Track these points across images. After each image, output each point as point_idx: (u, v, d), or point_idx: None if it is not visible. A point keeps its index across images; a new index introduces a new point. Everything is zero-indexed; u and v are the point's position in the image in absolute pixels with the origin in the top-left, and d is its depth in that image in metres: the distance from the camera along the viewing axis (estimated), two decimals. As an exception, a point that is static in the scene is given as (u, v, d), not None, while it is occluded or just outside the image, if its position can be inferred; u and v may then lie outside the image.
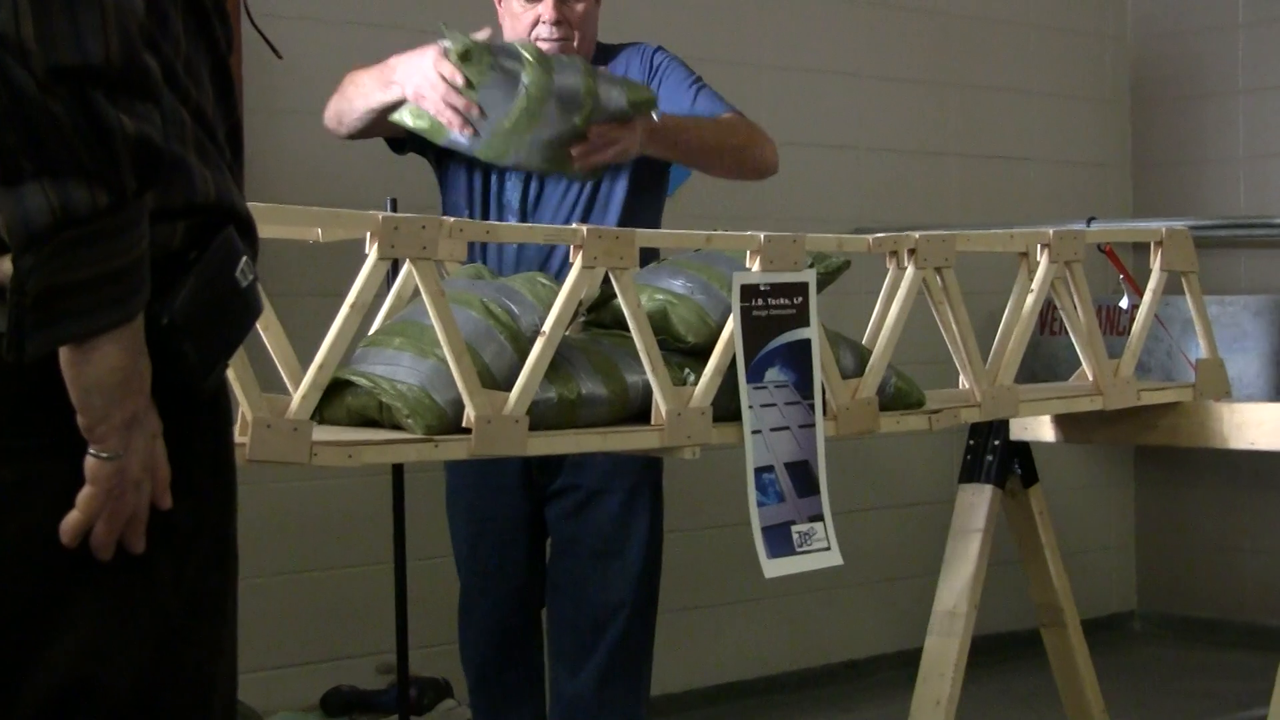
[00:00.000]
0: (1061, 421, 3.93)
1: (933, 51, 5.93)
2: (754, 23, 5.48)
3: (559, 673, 3.75)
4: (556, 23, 3.61)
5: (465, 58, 3.23)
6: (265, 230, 2.88)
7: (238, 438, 2.51)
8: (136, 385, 1.51)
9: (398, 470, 3.80)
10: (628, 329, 2.87)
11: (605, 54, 3.78)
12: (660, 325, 2.95)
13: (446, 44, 3.31)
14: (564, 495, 3.70)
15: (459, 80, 3.28)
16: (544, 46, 3.57)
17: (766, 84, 5.50)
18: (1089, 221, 5.73)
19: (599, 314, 3.01)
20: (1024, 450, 3.96)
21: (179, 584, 1.61)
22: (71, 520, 1.52)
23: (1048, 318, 5.55)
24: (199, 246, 1.57)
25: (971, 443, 3.95)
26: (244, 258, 1.61)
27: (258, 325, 2.64)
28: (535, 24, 3.62)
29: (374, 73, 3.45)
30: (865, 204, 5.67)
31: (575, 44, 3.63)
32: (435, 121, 3.31)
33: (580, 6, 3.64)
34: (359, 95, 3.47)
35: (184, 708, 1.63)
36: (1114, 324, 5.59)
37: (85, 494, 1.52)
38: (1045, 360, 5.67)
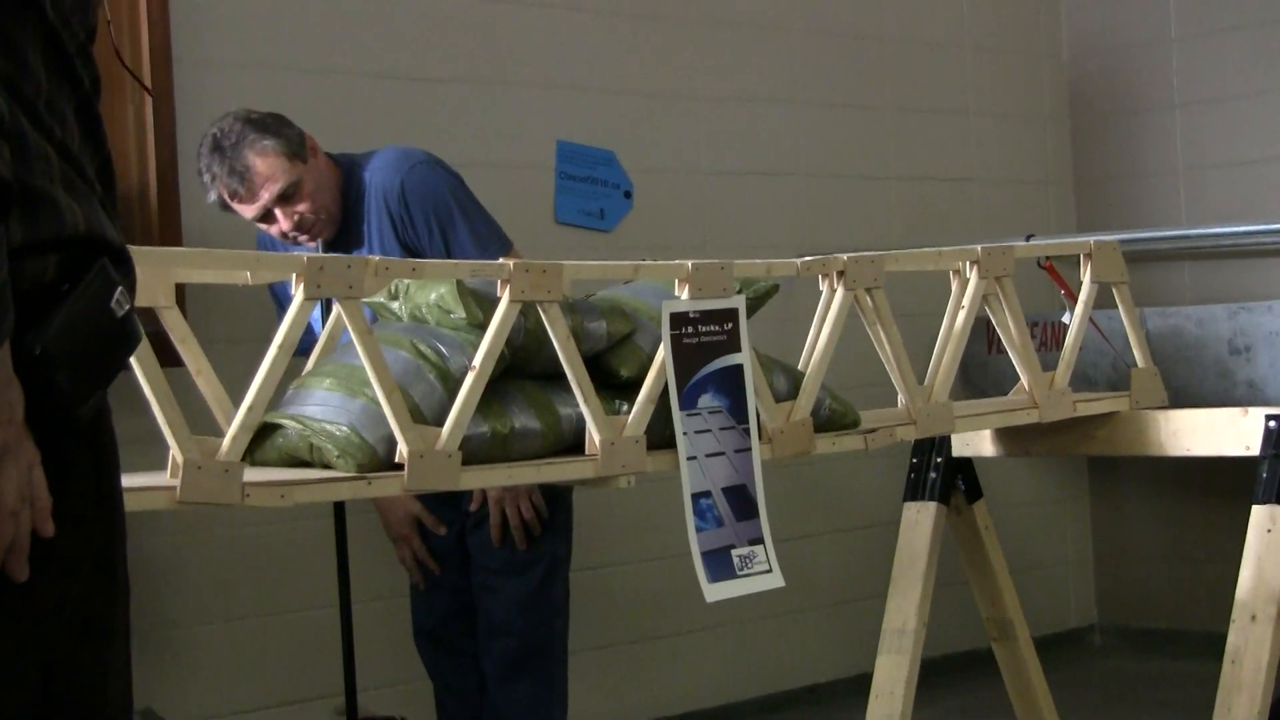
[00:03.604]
0: (1001, 436, 3.97)
1: (868, 76, 5.97)
2: (688, 53, 5.51)
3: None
4: (298, 228, 3.82)
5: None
6: (197, 275, 2.92)
7: (169, 480, 2.53)
8: (6, 415, 1.52)
9: (339, 511, 3.82)
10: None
11: (355, 171, 3.93)
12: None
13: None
14: (466, 514, 3.99)
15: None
16: (308, 246, 3.82)
17: (703, 114, 5.54)
18: (1028, 238, 5.79)
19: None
20: (967, 466, 3.99)
21: (63, 608, 1.63)
22: None
23: (994, 336, 5.59)
24: (72, 279, 1.59)
25: (914, 460, 3.98)
26: (119, 288, 1.64)
27: (190, 370, 2.68)
28: (283, 236, 3.84)
29: None
30: (807, 230, 5.70)
31: (324, 224, 3.84)
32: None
33: (302, 204, 3.80)
34: None
35: None
36: (1059, 339, 5.63)
37: None
38: (994, 378, 5.70)
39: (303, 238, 3.84)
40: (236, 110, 3.84)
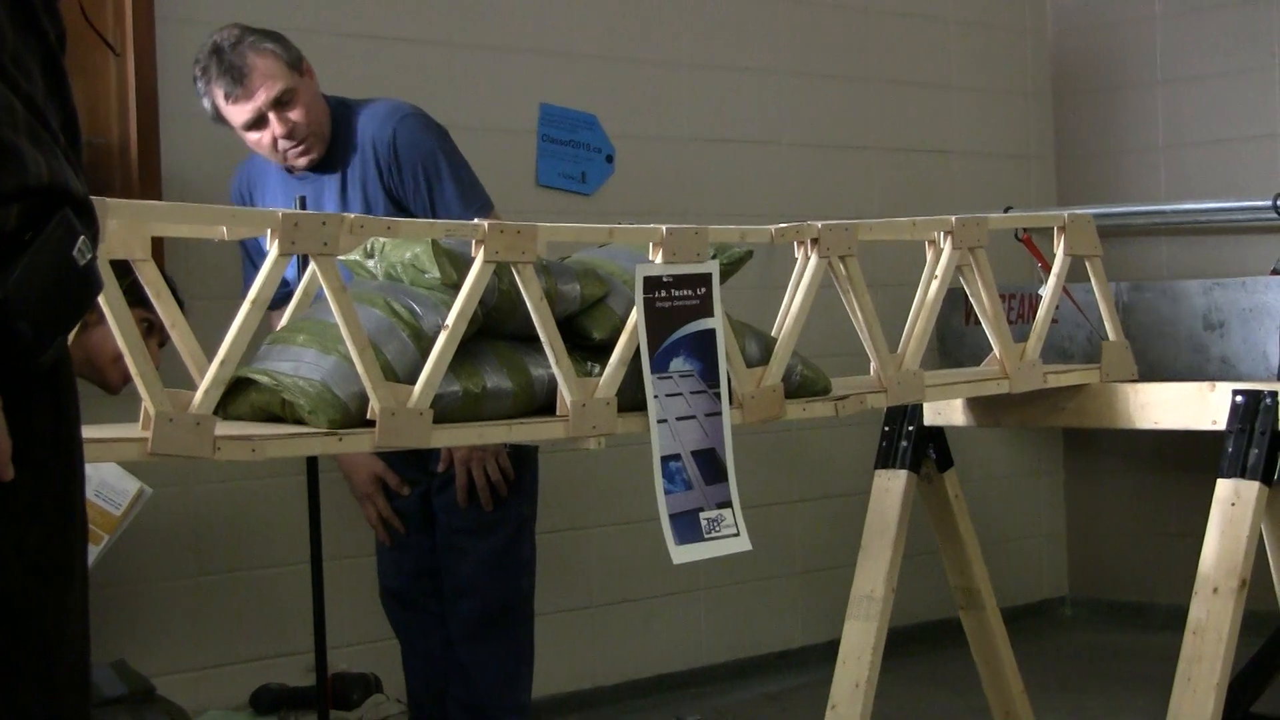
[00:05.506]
0: (973, 405, 3.99)
1: (853, 47, 5.98)
2: (673, 20, 5.52)
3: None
4: (289, 136, 3.82)
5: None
6: (173, 229, 2.94)
7: (141, 432, 2.55)
8: None
9: (312, 468, 3.84)
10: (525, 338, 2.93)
11: (346, 112, 3.94)
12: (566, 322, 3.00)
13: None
14: (432, 475, 4.02)
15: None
16: (297, 162, 3.85)
17: (685, 81, 5.55)
18: (1006, 210, 5.81)
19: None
20: (938, 435, 4.01)
21: (21, 550, 1.66)
22: None
23: (971, 307, 5.61)
24: (35, 228, 1.61)
25: (886, 429, 4.00)
26: (81, 237, 1.66)
27: (164, 323, 2.70)
28: (274, 143, 3.83)
29: None
30: (788, 200, 5.72)
31: (313, 142, 3.85)
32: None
33: (296, 111, 3.81)
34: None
35: (29, 670, 1.67)
36: (1035, 311, 5.65)
37: None
38: (970, 349, 5.73)
39: (292, 151, 3.84)
40: (236, 23, 3.86)
